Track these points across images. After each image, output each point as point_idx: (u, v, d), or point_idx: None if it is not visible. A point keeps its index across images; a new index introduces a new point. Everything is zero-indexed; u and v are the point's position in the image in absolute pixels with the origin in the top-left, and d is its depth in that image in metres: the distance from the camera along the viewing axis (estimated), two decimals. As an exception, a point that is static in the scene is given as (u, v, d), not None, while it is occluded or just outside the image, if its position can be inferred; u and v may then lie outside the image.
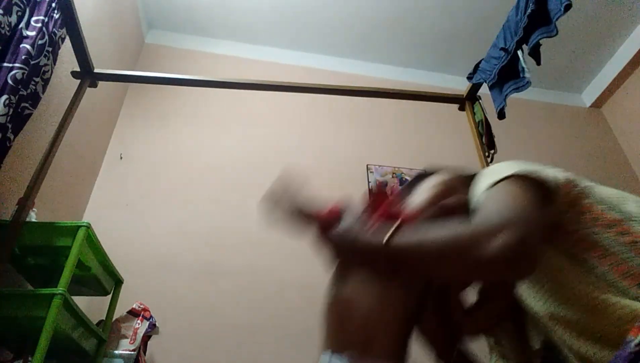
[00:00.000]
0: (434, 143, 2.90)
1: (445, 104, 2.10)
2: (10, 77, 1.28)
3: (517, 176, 0.70)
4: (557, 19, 1.33)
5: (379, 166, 2.67)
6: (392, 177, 2.65)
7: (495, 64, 1.67)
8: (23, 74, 1.32)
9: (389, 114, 2.93)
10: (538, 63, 1.47)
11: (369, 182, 2.61)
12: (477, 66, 1.85)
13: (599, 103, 3.32)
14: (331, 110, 2.86)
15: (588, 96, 3.37)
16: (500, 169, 0.73)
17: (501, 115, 1.72)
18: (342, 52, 3.14)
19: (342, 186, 2.57)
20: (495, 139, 1.83)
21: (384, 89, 2.02)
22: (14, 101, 1.28)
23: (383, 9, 2.82)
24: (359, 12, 2.84)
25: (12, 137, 1.32)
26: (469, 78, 1.90)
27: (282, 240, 2.29)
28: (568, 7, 1.28)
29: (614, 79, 3.11)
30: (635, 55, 2.92)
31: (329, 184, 2.56)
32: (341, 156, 2.70)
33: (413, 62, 3.20)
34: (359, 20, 2.90)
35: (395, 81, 3.05)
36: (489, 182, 0.71)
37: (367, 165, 2.67)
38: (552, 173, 0.73)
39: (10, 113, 1.27)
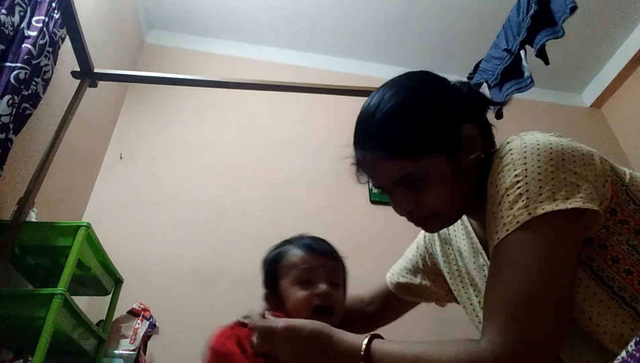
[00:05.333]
0: (434, 143, 2.89)
1: (445, 104, 2.10)
2: (13, 77, 1.28)
3: (551, 216, 0.58)
4: (563, 21, 1.32)
5: (379, 166, 2.67)
6: (392, 177, 2.64)
7: (497, 65, 1.67)
8: (25, 74, 1.31)
9: (389, 114, 2.93)
10: (546, 63, 1.45)
11: (369, 182, 2.60)
12: (477, 66, 1.85)
13: (599, 103, 3.32)
14: (331, 110, 2.86)
15: (588, 96, 3.37)
16: (531, 186, 0.60)
17: (499, 115, 1.72)
18: (342, 52, 3.14)
19: (342, 186, 2.57)
20: (495, 139, 1.83)
21: (384, 89, 2.01)
22: (16, 101, 1.28)
23: (383, 9, 2.82)
24: (359, 12, 2.84)
25: (13, 138, 1.32)
26: (469, 78, 1.90)
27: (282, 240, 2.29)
28: (574, 9, 1.27)
29: (614, 79, 3.10)
30: (635, 55, 2.91)
31: (328, 184, 2.56)
32: (341, 156, 2.69)
33: (413, 62, 3.19)
34: (359, 20, 2.90)
35: (395, 81, 3.04)
36: (511, 219, 0.60)
37: (367, 165, 2.66)
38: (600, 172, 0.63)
39: (13, 113, 1.27)
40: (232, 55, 3.00)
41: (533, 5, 1.41)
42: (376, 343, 0.64)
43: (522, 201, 0.60)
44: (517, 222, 0.59)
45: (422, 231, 0.99)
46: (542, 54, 1.44)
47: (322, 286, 0.80)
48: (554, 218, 0.58)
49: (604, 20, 2.84)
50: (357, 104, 3.07)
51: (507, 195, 0.62)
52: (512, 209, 0.61)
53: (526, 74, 1.52)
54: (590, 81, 3.31)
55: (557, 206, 0.58)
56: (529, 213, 0.59)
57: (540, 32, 1.41)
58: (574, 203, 0.58)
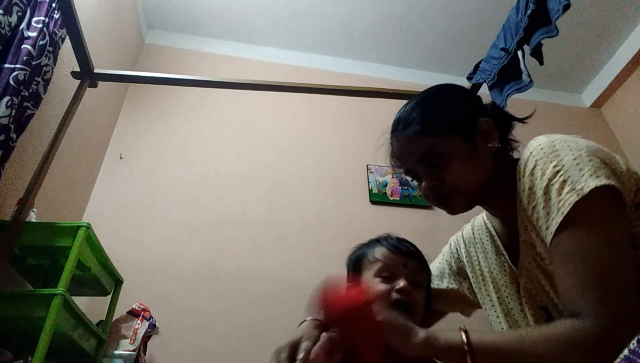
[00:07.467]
0: (434, 143, 2.89)
1: (445, 104, 2.10)
2: (12, 79, 1.28)
3: (598, 191, 0.64)
4: (556, 19, 1.33)
5: (379, 166, 2.67)
6: (392, 177, 2.65)
7: (495, 64, 1.67)
8: (25, 75, 1.31)
9: (389, 114, 2.92)
10: (541, 63, 1.46)
11: (369, 182, 2.61)
12: (477, 66, 1.85)
13: (599, 103, 3.32)
14: (331, 110, 2.86)
15: (588, 96, 3.37)
16: (572, 171, 0.67)
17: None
18: (342, 52, 3.14)
19: (342, 187, 2.57)
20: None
21: (384, 89, 2.01)
22: (16, 102, 1.28)
23: (383, 9, 2.82)
24: (359, 12, 2.84)
25: (14, 137, 1.32)
26: (469, 78, 1.90)
27: (282, 240, 2.29)
28: (567, 7, 1.27)
29: (614, 79, 3.10)
30: (635, 55, 2.91)
31: (329, 184, 2.56)
32: (341, 156, 2.70)
33: (413, 62, 3.19)
34: (358, 20, 2.90)
35: (395, 81, 3.05)
36: (564, 203, 0.66)
37: (367, 165, 2.67)
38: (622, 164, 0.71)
39: (12, 114, 1.27)
40: (231, 55, 3.00)
41: (531, 5, 1.41)
42: (474, 334, 0.67)
43: (568, 185, 0.67)
44: (569, 204, 0.65)
45: (450, 240, 1.09)
46: (536, 53, 1.44)
47: (402, 282, 0.81)
48: (600, 195, 0.64)
49: (604, 20, 2.84)
50: (357, 104, 3.05)
51: (552, 184, 0.69)
52: (560, 195, 0.67)
53: (524, 75, 1.52)
54: (590, 81, 3.31)
55: (600, 181, 0.64)
56: (578, 194, 0.65)
57: (536, 31, 1.41)
58: (614, 181, 0.65)
